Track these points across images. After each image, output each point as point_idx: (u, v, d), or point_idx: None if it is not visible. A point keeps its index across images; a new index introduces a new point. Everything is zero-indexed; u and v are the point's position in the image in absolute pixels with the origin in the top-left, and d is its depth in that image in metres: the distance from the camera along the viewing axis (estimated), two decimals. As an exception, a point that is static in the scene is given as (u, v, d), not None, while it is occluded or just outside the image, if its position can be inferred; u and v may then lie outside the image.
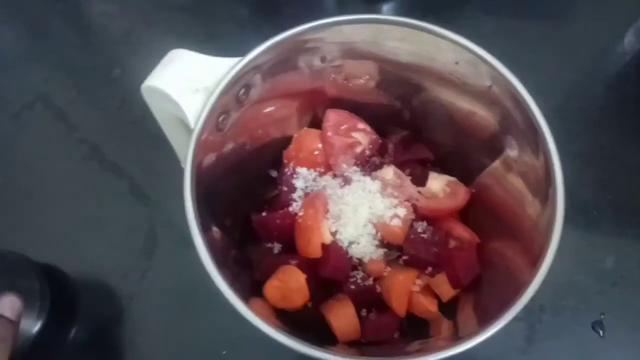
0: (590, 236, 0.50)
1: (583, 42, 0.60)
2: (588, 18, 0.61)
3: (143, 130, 0.53)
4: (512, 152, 0.34)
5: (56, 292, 0.45)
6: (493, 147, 0.37)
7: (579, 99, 0.56)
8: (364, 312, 0.38)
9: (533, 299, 0.45)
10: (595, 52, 0.59)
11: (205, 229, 0.30)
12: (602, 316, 0.46)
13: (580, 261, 0.48)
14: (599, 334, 0.46)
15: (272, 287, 0.36)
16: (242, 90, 0.34)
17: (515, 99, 0.32)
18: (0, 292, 0.35)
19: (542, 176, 0.31)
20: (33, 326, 0.42)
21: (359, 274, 0.37)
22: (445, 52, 0.34)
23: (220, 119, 0.33)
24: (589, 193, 0.51)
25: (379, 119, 0.42)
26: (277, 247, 0.39)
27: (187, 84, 0.32)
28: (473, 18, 0.61)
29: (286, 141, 0.42)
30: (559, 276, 0.48)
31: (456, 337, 0.34)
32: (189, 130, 0.32)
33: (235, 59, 0.32)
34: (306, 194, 0.39)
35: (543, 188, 0.31)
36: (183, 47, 0.57)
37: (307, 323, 0.37)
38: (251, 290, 0.38)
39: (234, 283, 0.29)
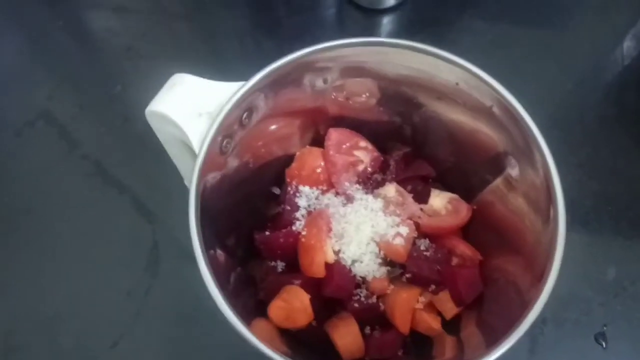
0: (591, 248, 0.50)
1: (581, 51, 0.60)
2: (586, 27, 0.62)
3: (146, 147, 0.53)
4: (513, 171, 0.34)
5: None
6: (494, 164, 0.37)
7: (579, 109, 0.57)
8: (367, 330, 0.38)
9: (535, 312, 0.47)
10: (594, 61, 0.60)
11: (208, 250, 0.30)
12: (604, 328, 0.47)
13: (582, 273, 0.49)
14: (602, 345, 0.46)
15: (276, 308, 0.36)
16: (245, 114, 0.34)
17: (516, 119, 0.32)
18: None
19: (543, 195, 0.31)
20: None
21: (363, 292, 0.38)
22: (446, 72, 0.34)
23: (224, 142, 0.33)
24: (590, 204, 0.52)
25: (380, 135, 0.43)
26: (280, 266, 0.40)
27: (190, 109, 0.32)
28: (471, 28, 0.61)
29: (289, 159, 0.43)
30: (561, 288, 0.47)
31: (461, 355, 0.35)
32: (193, 152, 0.33)
33: (238, 84, 0.33)
34: (309, 213, 0.39)
35: (544, 206, 0.31)
36: (183, 63, 0.58)
37: (312, 341, 0.37)
38: (255, 308, 0.38)
39: (237, 303, 0.29)
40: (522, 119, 0.31)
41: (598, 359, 0.46)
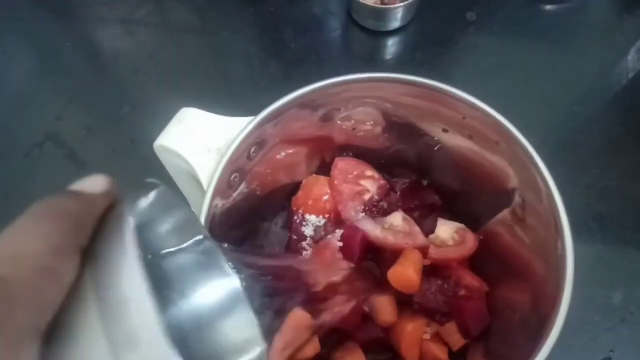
0: (597, 271, 0.50)
1: (586, 72, 0.60)
2: (590, 47, 0.62)
3: (153, 168, 0.54)
4: (520, 205, 0.34)
5: None
6: (502, 195, 0.37)
7: (585, 131, 0.57)
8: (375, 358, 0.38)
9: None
10: (599, 82, 0.60)
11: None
12: (611, 353, 0.46)
13: (588, 297, 0.48)
14: (609, 371, 0.46)
15: (282, 337, 0.36)
16: (253, 148, 0.34)
17: (521, 153, 0.32)
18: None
19: (551, 228, 0.31)
20: None
21: (369, 324, 0.38)
22: (452, 106, 0.34)
23: (232, 177, 0.34)
24: (596, 227, 0.52)
25: (387, 163, 0.43)
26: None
27: (198, 143, 0.33)
28: (475, 49, 0.61)
29: (295, 186, 0.43)
30: (568, 313, 0.48)
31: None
32: (201, 185, 0.33)
33: (246, 119, 0.33)
34: (315, 242, 0.40)
35: (552, 240, 0.31)
36: (192, 83, 0.59)
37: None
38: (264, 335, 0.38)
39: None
40: (529, 153, 0.31)
41: (605, 384, 0.46)
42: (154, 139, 0.37)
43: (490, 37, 0.62)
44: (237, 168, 0.34)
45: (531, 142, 0.32)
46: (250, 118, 0.33)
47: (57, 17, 0.66)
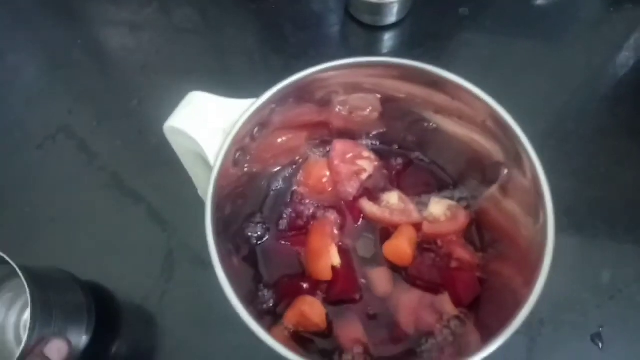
0: (586, 252, 0.52)
1: (576, 64, 0.62)
2: (580, 41, 0.64)
3: (160, 159, 0.56)
4: (506, 177, 0.37)
5: (100, 307, 0.48)
6: (490, 172, 0.39)
7: (574, 120, 0.59)
8: (373, 329, 0.40)
9: (533, 313, 0.48)
10: (588, 74, 0.62)
11: (223, 256, 0.33)
12: (600, 329, 0.48)
13: (578, 276, 0.50)
14: (599, 346, 0.48)
15: (292, 316, 0.39)
16: (257, 128, 0.37)
17: (507, 130, 0.34)
18: (48, 337, 0.37)
19: (534, 199, 0.33)
20: (81, 340, 0.46)
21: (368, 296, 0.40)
22: (442, 89, 0.37)
23: (237, 155, 0.36)
24: (585, 211, 0.54)
25: (383, 144, 0.45)
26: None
27: (205, 124, 0.35)
28: (469, 43, 0.64)
29: (295, 168, 0.45)
30: (558, 291, 0.50)
31: (459, 352, 0.37)
32: (208, 164, 0.35)
33: (250, 101, 0.35)
34: (314, 219, 0.42)
35: (535, 210, 0.33)
36: (196, 77, 0.61)
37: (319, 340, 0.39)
38: (267, 312, 0.41)
39: (251, 307, 0.31)
40: (512, 128, 0.33)
41: (595, 359, 0.47)
42: (161, 130, 0.40)
43: (482, 31, 0.64)
44: (241, 147, 0.36)
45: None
46: (253, 100, 0.35)
47: (66, 16, 0.69)
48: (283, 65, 0.62)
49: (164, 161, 0.55)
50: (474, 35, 0.64)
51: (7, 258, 0.39)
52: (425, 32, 0.64)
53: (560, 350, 0.48)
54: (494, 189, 0.39)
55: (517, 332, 0.47)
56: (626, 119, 0.59)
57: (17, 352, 0.37)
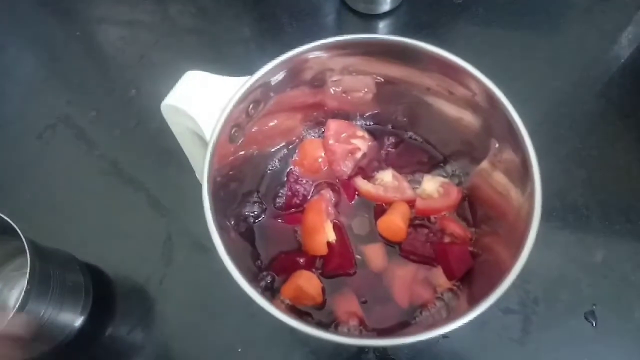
0: (579, 233, 0.52)
1: (569, 52, 0.63)
2: (573, 30, 0.65)
3: (158, 146, 0.57)
4: (496, 151, 0.38)
5: (98, 289, 0.49)
6: (481, 148, 0.40)
7: (567, 105, 0.60)
8: (367, 304, 0.41)
9: (527, 292, 0.49)
10: (581, 60, 0.63)
11: (223, 235, 0.33)
12: (593, 307, 0.49)
13: (571, 256, 0.51)
14: (592, 324, 0.48)
15: (290, 290, 0.39)
16: (251, 106, 0.38)
17: (494, 102, 0.35)
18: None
19: (522, 170, 0.34)
20: (77, 319, 0.47)
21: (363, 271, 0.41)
22: (431, 66, 0.38)
23: (233, 131, 0.37)
24: (578, 192, 0.54)
25: (376, 125, 0.46)
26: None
27: (202, 101, 0.36)
28: (464, 32, 0.65)
29: (291, 148, 0.46)
30: (551, 270, 0.51)
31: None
32: (204, 143, 0.36)
33: (245, 78, 0.36)
34: (310, 198, 0.43)
35: (523, 181, 0.34)
36: (192, 68, 0.62)
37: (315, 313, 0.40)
38: (267, 288, 0.41)
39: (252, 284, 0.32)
40: (499, 100, 0.34)
41: (588, 336, 0.48)
42: (159, 118, 0.40)
43: (476, 19, 0.65)
44: (237, 123, 0.37)
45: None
46: (248, 77, 0.36)
47: (65, 9, 0.70)
48: (279, 54, 0.62)
49: (162, 149, 0.57)
50: (468, 23, 0.65)
51: (13, 224, 0.40)
52: (420, 20, 0.65)
53: (555, 327, 0.48)
54: (484, 164, 0.40)
55: (512, 311, 0.49)
56: (618, 102, 0.59)
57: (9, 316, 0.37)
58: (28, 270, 0.39)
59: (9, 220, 0.41)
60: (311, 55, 0.38)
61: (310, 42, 0.63)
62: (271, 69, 0.36)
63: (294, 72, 0.39)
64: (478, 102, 0.37)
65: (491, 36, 0.64)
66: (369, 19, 0.64)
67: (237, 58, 0.64)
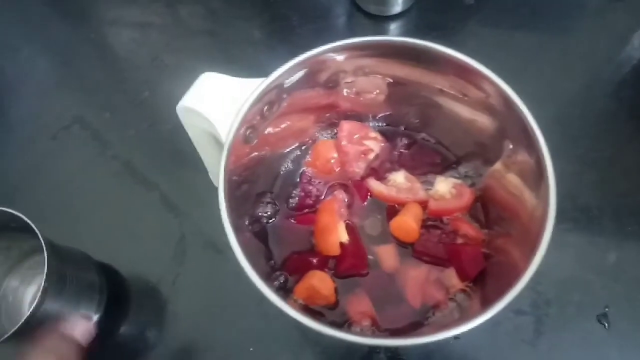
0: (591, 234, 0.52)
1: (581, 53, 0.63)
2: (585, 30, 0.65)
3: (171, 147, 0.58)
4: (510, 153, 0.38)
5: (112, 288, 0.50)
6: (494, 150, 0.40)
7: (579, 106, 0.59)
8: (380, 304, 0.41)
9: (539, 293, 0.49)
10: (593, 61, 0.62)
11: (238, 235, 0.33)
12: (606, 309, 0.49)
13: (583, 258, 0.51)
14: (604, 326, 0.48)
15: (303, 289, 0.40)
16: (266, 107, 0.38)
17: (509, 104, 0.35)
18: (75, 316, 0.40)
19: (536, 171, 0.34)
20: (92, 317, 0.47)
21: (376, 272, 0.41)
22: (444, 68, 0.38)
23: (248, 132, 0.37)
24: (590, 194, 0.54)
25: (389, 126, 0.46)
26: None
27: (217, 103, 0.36)
28: (475, 33, 0.65)
29: (304, 149, 0.46)
30: (564, 272, 0.51)
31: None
32: (219, 144, 0.36)
33: (260, 80, 0.37)
34: (323, 198, 0.43)
35: (537, 182, 0.34)
36: (204, 69, 0.63)
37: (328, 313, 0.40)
38: (280, 288, 0.42)
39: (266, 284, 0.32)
40: (513, 101, 0.34)
41: (601, 338, 0.48)
42: (172, 119, 0.41)
43: (487, 21, 0.65)
44: (251, 125, 0.37)
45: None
46: (263, 78, 0.36)
47: (79, 12, 0.71)
48: (290, 56, 0.63)
49: (175, 150, 0.57)
50: (479, 24, 0.65)
51: (31, 223, 0.41)
52: (431, 22, 0.65)
53: (567, 330, 0.48)
54: (497, 165, 0.40)
55: (524, 312, 0.49)
56: (630, 103, 0.59)
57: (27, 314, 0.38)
58: (45, 269, 0.39)
59: (26, 219, 0.41)
60: (327, 56, 0.38)
61: (322, 44, 0.63)
62: (287, 70, 0.37)
63: (310, 74, 0.39)
64: (492, 104, 0.37)
65: (502, 37, 0.64)
66: (380, 21, 0.65)
67: (248, 60, 0.65)
